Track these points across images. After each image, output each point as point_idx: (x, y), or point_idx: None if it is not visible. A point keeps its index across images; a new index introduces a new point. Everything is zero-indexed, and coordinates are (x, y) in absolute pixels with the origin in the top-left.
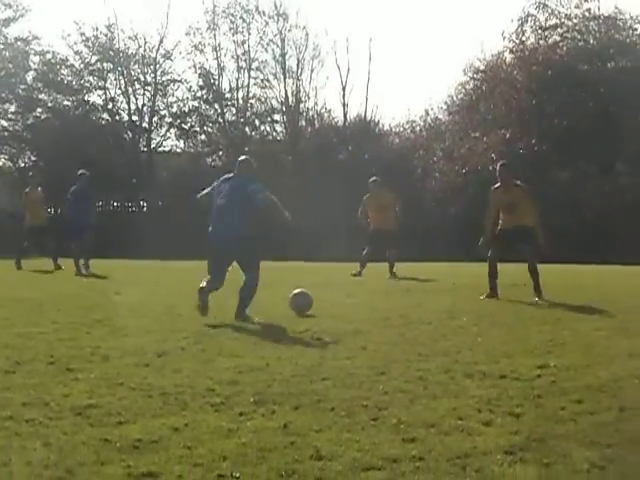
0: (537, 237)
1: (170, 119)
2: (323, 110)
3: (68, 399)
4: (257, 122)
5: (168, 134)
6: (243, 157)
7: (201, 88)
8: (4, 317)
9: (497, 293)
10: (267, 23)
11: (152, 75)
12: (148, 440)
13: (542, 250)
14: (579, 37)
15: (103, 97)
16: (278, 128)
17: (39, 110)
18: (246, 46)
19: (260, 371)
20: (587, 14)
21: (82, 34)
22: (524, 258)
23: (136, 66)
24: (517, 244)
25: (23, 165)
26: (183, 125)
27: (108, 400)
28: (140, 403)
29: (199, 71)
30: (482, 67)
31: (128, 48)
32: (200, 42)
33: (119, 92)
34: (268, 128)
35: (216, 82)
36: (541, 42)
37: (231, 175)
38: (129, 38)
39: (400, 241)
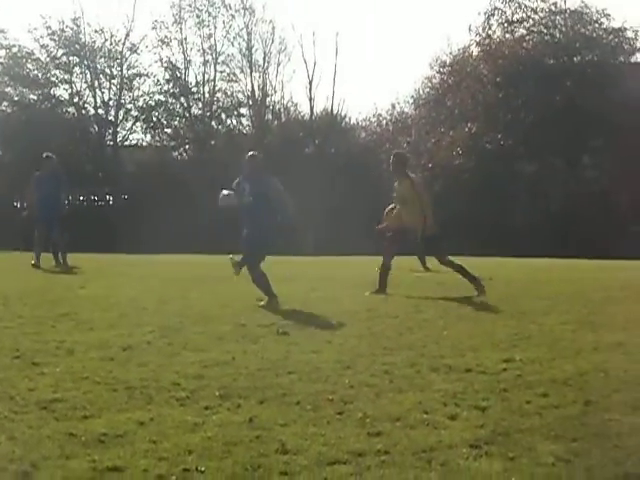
0: (435, 236)
1: (136, 113)
2: (289, 104)
3: (33, 393)
4: (223, 116)
5: (134, 128)
6: (250, 153)
7: (167, 82)
8: None
9: (386, 289)
10: (233, 17)
11: (118, 69)
12: (113, 434)
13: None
14: (545, 31)
15: (69, 91)
16: (244, 122)
17: (5, 104)
18: (212, 40)
19: (226, 365)
20: (553, 8)
21: (48, 27)
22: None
23: (102, 60)
24: (425, 251)
25: None
26: (149, 119)
27: (73, 394)
28: (105, 397)
29: (165, 65)
30: (449, 61)
31: (94, 42)
32: (166, 36)
33: (85, 86)
34: (234, 122)
35: (182, 76)
36: (507, 36)
37: (246, 174)
38: (95, 32)
39: None
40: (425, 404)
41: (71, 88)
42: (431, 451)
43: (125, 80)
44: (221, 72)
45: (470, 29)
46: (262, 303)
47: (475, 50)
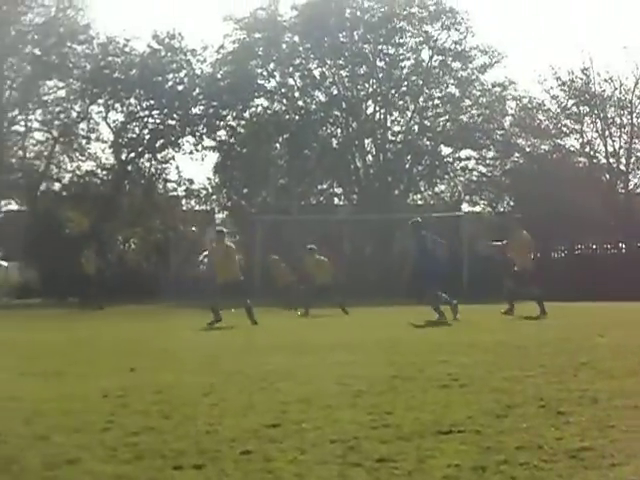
0: None
1: None
2: None
3: (561, 442)
4: None
5: None
6: None
7: None
8: (492, 361)
9: None
10: None
11: (628, 117)
12: None
13: None
14: None
15: (580, 141)
16: None
17: (517, 155)
18: None
19: None
20: None
21: (558, 78)
22: None
23: (612, 109)
24: None
25: (502, 210)
26: None
27: (600, 442)
28: (633, 446)
29: None
30: None
31: (604, 91)
32: None
33: (595, 135)
34: None
35: None
36: None
37: None
38: (605, 81)
39: None
40: None
41: (582, 138)
42: None
43: (635, 128)
44: None
45: None
46: None
47: None
